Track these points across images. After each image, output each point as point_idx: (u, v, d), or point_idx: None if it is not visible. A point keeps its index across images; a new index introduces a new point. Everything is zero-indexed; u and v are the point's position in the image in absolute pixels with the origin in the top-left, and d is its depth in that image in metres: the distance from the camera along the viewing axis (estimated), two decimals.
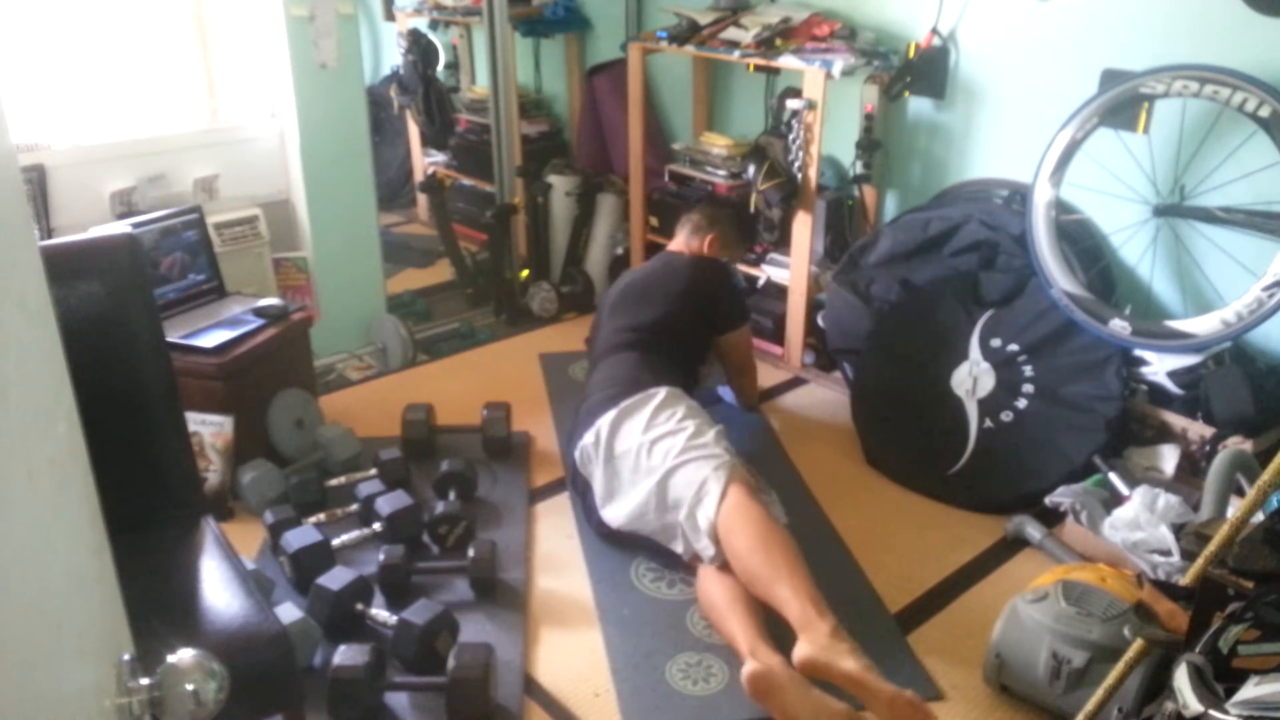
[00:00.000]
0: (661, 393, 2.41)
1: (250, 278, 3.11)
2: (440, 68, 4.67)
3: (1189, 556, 1.81)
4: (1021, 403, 2.69)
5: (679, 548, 2.28)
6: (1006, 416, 2.69)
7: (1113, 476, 2.49)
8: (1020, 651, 1.92)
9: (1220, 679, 1.24)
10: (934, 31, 3.11)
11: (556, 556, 2.46)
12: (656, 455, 2.27)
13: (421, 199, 4.95)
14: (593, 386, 2.56)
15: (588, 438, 2.41)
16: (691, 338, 2.78)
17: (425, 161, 4.96)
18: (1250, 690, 1.20)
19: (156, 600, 1.53)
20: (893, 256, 3.11)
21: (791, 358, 3.43)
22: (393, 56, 5.27)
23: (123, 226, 2.45)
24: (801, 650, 1.85)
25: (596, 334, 2.83)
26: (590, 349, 2.91)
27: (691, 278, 2.81)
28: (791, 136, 3.24)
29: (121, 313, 1.69)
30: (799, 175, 3.21)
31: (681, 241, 3.01)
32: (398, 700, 1.97)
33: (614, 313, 2.79)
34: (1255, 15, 2.47)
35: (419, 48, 4.38)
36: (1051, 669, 1.87)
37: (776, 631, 1.99)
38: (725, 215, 3.09)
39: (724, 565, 2.15)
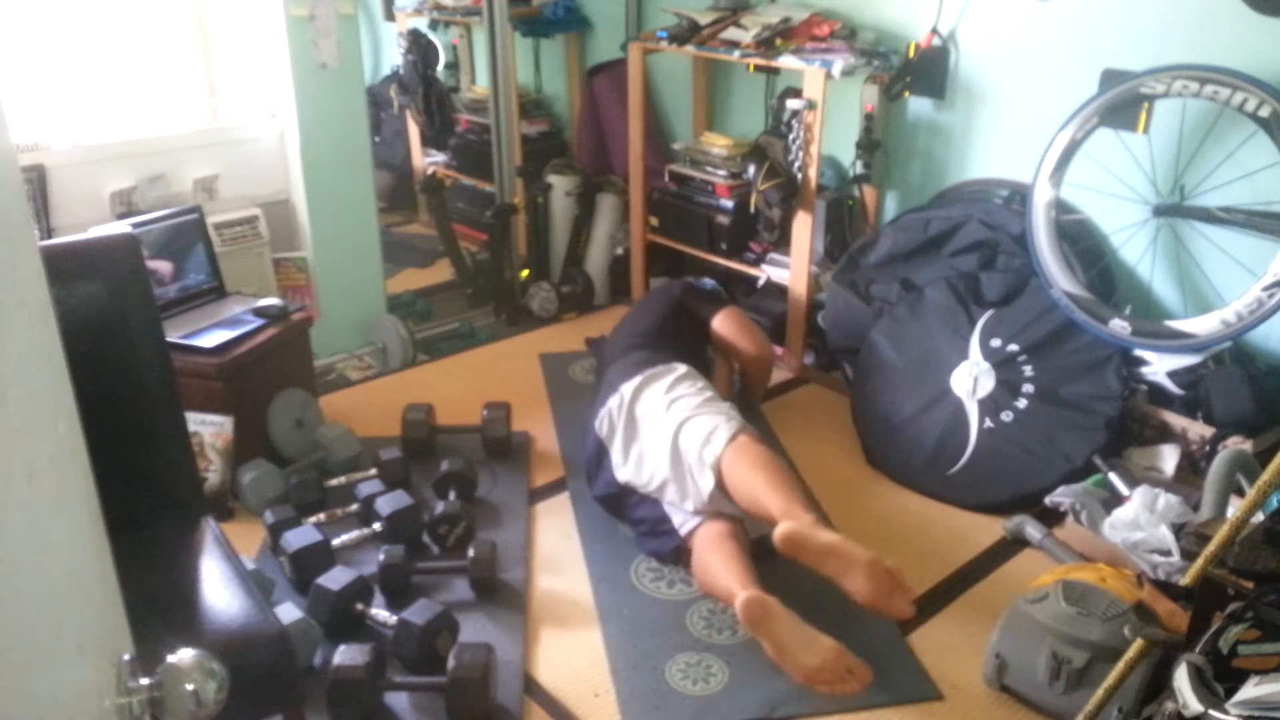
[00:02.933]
0: (682, 368, 2.55)
1: (250, 278, 3.11)
2: (440, 68, 4.66)
3: (1189, 556, 1.80)
4: (1021, 403, 2.68)
5: (671, 495, 2.31)
6: (1006, 416, 2.69)
7: (1113, 476, 2.49)
8: (1020, 652, 1.92)
9: (1220, 679, 1.24)
10: (934, 31, 3.11)
11: (556, 556, 2.46)
12: (674, 411, 2.38)
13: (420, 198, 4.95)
14: (611, 371, 2.65)
15: (611, 402, 2.50)
16: (688, 332, 2.96)
17: (425, 161, 4.96)
18: (1250, 690, 1.20)
19: (156, 600, 1.53)
20: (893, 256, 3.12)
21: (791, 358, 3.43)
22: (393, 56, 5.27)
23: (123, 226, 2.45)
24: (782, 527, 1.89)
25: (605, 351, 2.91)
26: (593, 350, 3.03)
27: (664, 287, 3.24)
28: (791, 136, 3.23)
29: (121, 313, 1.69)
30: (799, 175, 3.21)
31: None
32: (398, 700, 1.97)
33: (619, 331, 2.98)
34: (1255, 15, 2.46)
35: (419, 48, 4.38)
36: (1051, 669, 1.87)
37: (770, 584, 2.02)
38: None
39: (714, 515, 2.24)
